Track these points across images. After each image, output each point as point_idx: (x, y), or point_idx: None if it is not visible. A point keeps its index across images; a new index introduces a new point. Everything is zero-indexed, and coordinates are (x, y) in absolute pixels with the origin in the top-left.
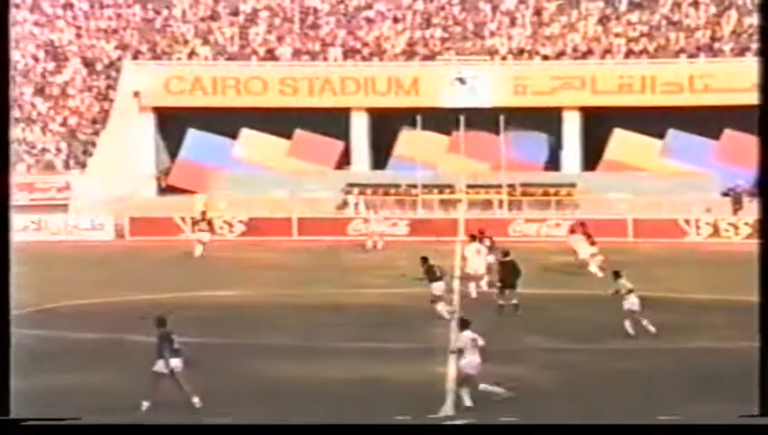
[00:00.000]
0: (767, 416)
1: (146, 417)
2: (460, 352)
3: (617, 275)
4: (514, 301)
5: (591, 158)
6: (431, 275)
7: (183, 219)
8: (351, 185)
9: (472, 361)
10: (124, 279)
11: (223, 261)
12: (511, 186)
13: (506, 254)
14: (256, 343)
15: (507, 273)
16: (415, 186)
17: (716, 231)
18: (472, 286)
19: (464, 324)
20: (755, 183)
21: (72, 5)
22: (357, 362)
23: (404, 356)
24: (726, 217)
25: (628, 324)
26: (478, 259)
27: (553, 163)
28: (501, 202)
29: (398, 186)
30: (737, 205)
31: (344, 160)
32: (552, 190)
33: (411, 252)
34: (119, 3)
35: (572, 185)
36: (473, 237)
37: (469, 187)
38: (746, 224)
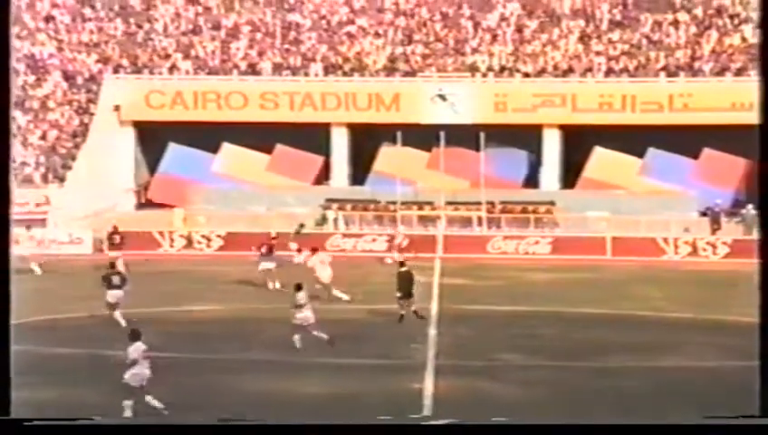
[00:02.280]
0: (767, 416)
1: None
2: (133, 363)
3: (298, 287)
4: (413, 308)
5: (571, 175)
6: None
7: (161, 234)
8: (330, 200)
9: (139, 373)
10: (101, 293)
11: (201, 275)
12: (490, 203)
13: (402, 264)
14: (234, 358)
15: (404, 282)
16: (394, 202)
17: (695, 250)
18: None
19: (134, 336)
20: (741, 202)
21: (53, 19)
22: (332, 378)
23: (381, 372)
24: (705, 237)
25: (296, 338)
26: (323, 269)
27: (533, 181)
28: (480, 219)
29: (377, 202)
30: (715, 224)
31: (324, 176)
32: (531, 208)
33: (389, 268)
34: (100, 17)
35: (551, 202)
36: (314, 250)
37: (448, 203)
38: (724, 243)
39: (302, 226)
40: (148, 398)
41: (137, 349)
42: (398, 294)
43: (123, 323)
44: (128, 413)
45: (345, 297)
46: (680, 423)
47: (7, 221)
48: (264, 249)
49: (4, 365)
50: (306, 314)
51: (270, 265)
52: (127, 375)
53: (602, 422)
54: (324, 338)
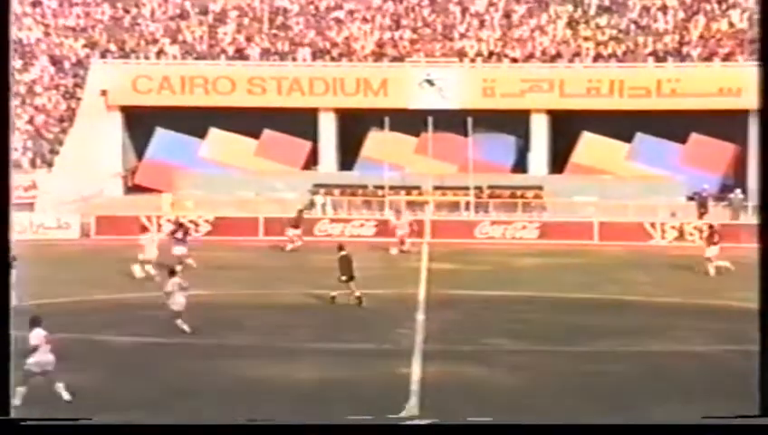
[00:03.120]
0: (767, 416)
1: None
2: (34, 350)
3: (172, 273)
4: (357, 293)
5: (559, 160)
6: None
7: (149, 219)
8: (318, 185)
9: (41, 360)
10: (89, 278)
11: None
12: (478, 188)
13: (341, 248)
14: (221, 343)
15: (345, 266)
16: (382, 187)
17: (681, 235)
18: (148, 268)
19: (35, 322)
20: (728, 187)
21: (40, 3)
22: (319, 363)
23: (368, 357)
24: (692, 221)
25: (180, 322)
26: (152, 247)
27: (521, 165)
28: (468, 204)
29: (365, 187)
30: (702, 209)
31: (312, 161)
32: (518, 193)
33: (378, 253)
34: (87, 1)
35: (539, 187)
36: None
37: (436, 188)
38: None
39: (300, 211)
40: (58, 385)
41: (37, 335)
42: (344, 278)
43: (187, 329)
44: (17, 401)
45: None
46: (680, 423)
47: (7, 209)
48: (179, 234)
49: (4, 365)
50: (178, 300)
51: (182, 249)
52: (29, 361)
53: (602, 422)
54: (186, 330)
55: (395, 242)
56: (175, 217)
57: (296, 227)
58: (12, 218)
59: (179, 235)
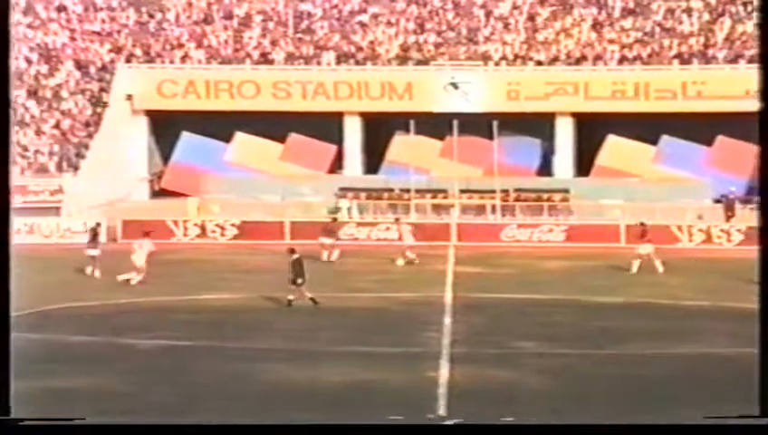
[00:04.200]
0: (767, 416)
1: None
2: None
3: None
4: (309, 295)
5: (584, 163)
6: None
7: (175, 223)
8: (344, 189)
9: None
10: (115, 282)
11: (215, 264)
12: (504, 191)
13: (293, 251)
14: (248, 347)
15: (298, 269)
16: (408, 190)
17: (709, 238)
18: (132, 274)
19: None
20: (755, 189)
21: (65, 8)
22: (347, 366)
23: (396, 360)
24: (719, 224)
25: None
26: (140, 253)
27: (546, 169)
28: (494, 207)
29: (390, 190)
30: (730, 211)
31: (337, 165)
32: (544, 196)
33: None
34: (112, 6)
35: (565, 190)
36: (146, 234)
37: (462, 191)
38: (739, 231)
39: (335, 218)
40: None
41: None
42: (299, 281)
43: None
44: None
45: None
46: (680, 423)
47: (7, 212)
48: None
49: (4, 365)
50: None
51: (94, 251)
52: None
53: (603, 422)
54: None
55: (403, 250)
56: (95, 223)
57: (330, 235)
58: (12, 221)
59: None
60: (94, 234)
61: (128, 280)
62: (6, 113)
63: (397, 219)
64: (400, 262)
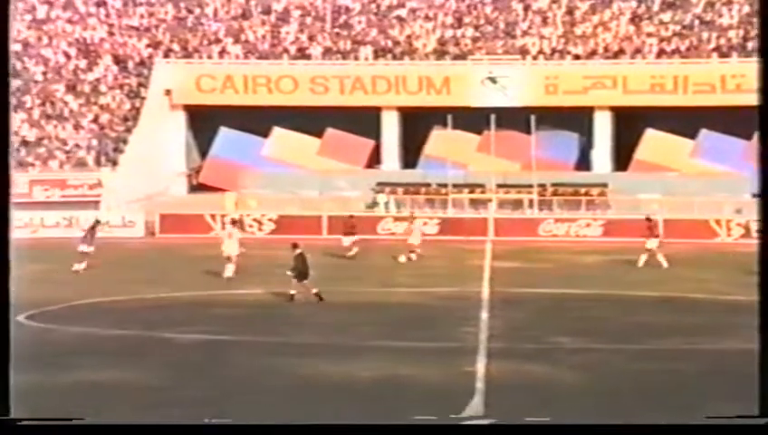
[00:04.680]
0: (767, 416)
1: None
2: None
3: None
4: (315, 290)
5: (622, 157)
6: None
7: (213, 217)
8: (381, 184)
9: None
10: (154, 276)
11: (252, 259)
12: (541, 185)
13: (296, 246)
14: (285, 341)
15: (299, 264)
16: (445, 185)
17: (747, 232)
18: (227, 266)
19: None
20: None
21: (104, 3)
22: (385, 361)
23: (433, 355)
24: (758, 218)
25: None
26: (230, 242)
27: (584, 163)
28: (531, 202)
29: (428, 185)
30: None
31: (374, 159)
32: (582, 190)
33: (441, 251)
34: (151, 1)
35: (603, 185)
36: (234, 223)
37: (499, 186)
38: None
39: (351, 217)
40: None
41: None
42: (292, 274)
43: None
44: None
45: None
46: (680, 423)
47: (7, 208)
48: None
49: (4, 364)
50: None
51: (88, 248)
52: None
53: (603, 422)
54: None
55: (408, 249)
56: (94, 220)
57: (351, 233)
58: (12, 218)
59: (89, 236)
60: (92, 230)
61: (228, 277)
62: (6, 108)
63: (411, 214)
64: (402, 259)
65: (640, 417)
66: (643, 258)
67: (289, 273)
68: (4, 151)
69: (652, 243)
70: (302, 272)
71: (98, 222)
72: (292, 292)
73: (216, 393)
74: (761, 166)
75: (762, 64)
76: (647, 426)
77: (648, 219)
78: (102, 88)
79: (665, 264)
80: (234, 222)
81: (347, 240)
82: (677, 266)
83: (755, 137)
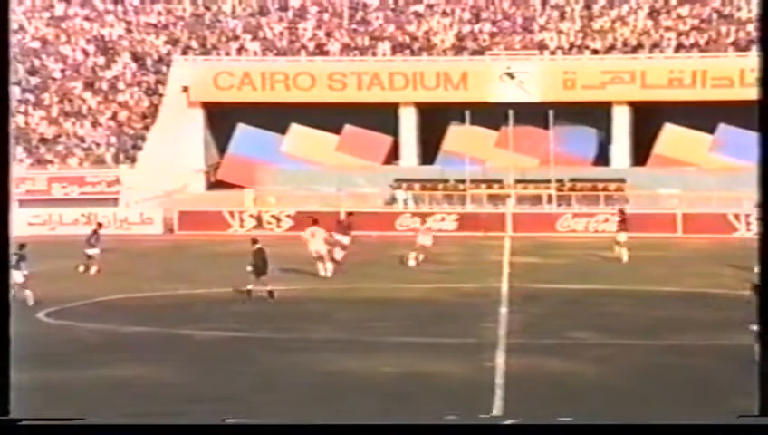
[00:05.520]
0: (767, 416)
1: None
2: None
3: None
4: (269, 288)
5: (641, 152)
6: None
7: (231, 214)
8: (399, 180)
9: None
10: (173, 273)
11: (272, 256)
12: (559, 181)
13: (255, 242)
14: (306, 337)
15: (258, 260)
16: (463, 181)
17: None
18: (319, 266)
19: None
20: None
21: (122, 1)
22: (405, 357)
23: (453, 351)
24: None
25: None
26: (315, 242)
27: (603, 158)
28: (549, 197)
29: (446, 181)
30: None
31: (393, 155)
32: (600, 185)
33: (460, 247)
34: None
35: (622, 180)
36: (314, 221)
37: (518, 181)
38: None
39: (350, 214)
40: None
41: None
42: (249, 270)
43: None
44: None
45: None
46: (680, 423)
47: (7, 208)
48: (93, 232)
49: (4, 364)
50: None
51: (93, 250)
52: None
53: (603, 422)
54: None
55: (416, 250)
56: (97, 223)
57: (346, 232)
58: (12, 217)
59: (93, 238)
60: (95, 233)
61: (323, 275)
62: (6, 104)
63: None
64: (412, 262)
65: (659, 413)
66: (624, 252)
67: (248, 269)
68: (3, 148)
69: (622, 236)
70: (260, 268)
71: (100, 225)
72: (249, 287)
73: (235, 390)
74: (761, 160)
75: (762, 57)
76: (647, 426)
77: (621, 212)
78: (121, 85)
79: (624, 258)
80: (314, 221)
81: (338, 236)
82: (697, 262)
83: None
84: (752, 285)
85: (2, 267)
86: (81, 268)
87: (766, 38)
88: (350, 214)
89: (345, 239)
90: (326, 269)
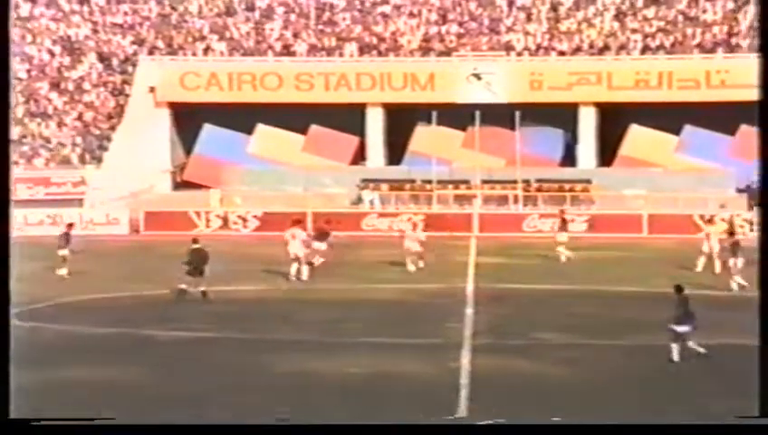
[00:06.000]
0: (767, 416)
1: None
2: None
3: None
4: (202, 288)
5: (607, 153)
6: None
7: (198, 214)
8: (366, 180)
9: None
10: (139, 273)
11: (237, 256)
12: (526, 181)
13: (195, 241)
14: (270, 338)
15: (196, 259)
16: (430, 181)
17: (732, 227)
18: (293, 267)
19: None
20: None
21: (88, 1)
22: (371, 358)
23: (418, 351)
24: (741, 213)
25: None
26: (295, 243)
27: (569, 159)
28: (516, 198)
29: (412, 181)
30: (753, 200)
31: (359, 156)
32: (567, 186)
33: (426, 247)
34: None
35: (588, 181)
36: (296, 222)
37: (484, 182)
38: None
39: (328, 221)
40: None
41: None
42: (187, 269)
43: None
44: None
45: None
46: (680, 423)
47: (7, 206)
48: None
49: (4, 365)
50: None
51: (65, 251)
52: None
53: (603, 422)
54: None
55: (412, 254)
56: (66, 224)
57: (322, 239)
58: (12, 217)
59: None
60: (66, 235)
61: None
62: (6, 105)
63: (410, 220)
64: (411, 267)
65: (623, 412)
66: (565, 253)
67: (184, 266)
68: (3, 149)
69: (562, 236)
70: (196, 267)
71: (71, 225)
72: (183, 286)
73: (200, 391)
74: (761, 159)
75: (762, 60)
76: (646, 426)
77: (562, 211)
78: (86, 85)
79: (563, 258)
80: (296, 222)
81: (317, 244)
82: (663, 262)
83: (739, 132)
84: (674, 287)
85: (2, 267)
86: (65, 271)
87: (766, 40)
88: (327, 221)
89: (322, 246)
90: (300, 272)
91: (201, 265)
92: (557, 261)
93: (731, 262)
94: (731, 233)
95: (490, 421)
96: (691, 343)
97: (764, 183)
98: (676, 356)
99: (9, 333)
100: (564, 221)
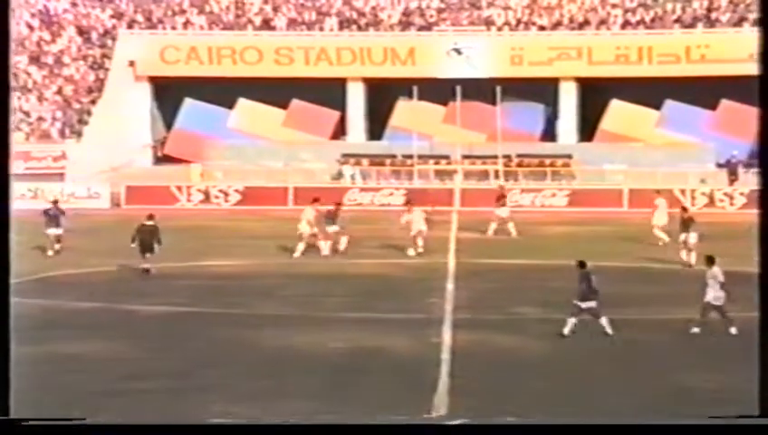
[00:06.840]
0: (767, 416)
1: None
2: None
3: None
4: (147, 266)
5: (588, 128)
6: None
7: (179, 188)
8: (347, 155)
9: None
10: (120, 248)
11: (219, 230)
12: (507, 156)
13: (151, 217)
14: (252, 313)
15: (147, 237)
16: (411, 156)
17: (711, 201)
18: (299, 246)
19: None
20: (755, 154)
21: None
22: (352, 332)
23: (399, 326)
24: (722, 188)
25: None
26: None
27: (550, 134)
28: (497, 172)
29: (393, 156)
30: (733, 175)
31: (340, 131)
32: (547, 161)
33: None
34: None
35: (568, 156)
36: (315, 200)
37: (465, 157)
38: (741, 194)
39: (339, 204)
40: None
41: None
42: (138, 247)
43: None
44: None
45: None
46: (680, 423)
47: (7, 180)
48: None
49: (4, 365)
50: None
51: (57, 230)
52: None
53: (603, 422)
54: None
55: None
56: (54, 198)
57: (333, 220)
58: (12, 187)
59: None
60: (47, 213)
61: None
62: (6, 80)
63: (409, 201)
64: (411, 252)
65: (603, 387)
66: (493, 226)
67: (133, 245)
68: (3, 122)
69: (503, 211)
70: (146, 244)
71: (56, 202)
72: (145, 266)
73: (183, 365)
74: (761, 134)
75: (762, 34)
76: (646, 426)
77: (501, 187)
78: (66, 59)
79: (513, 233)
80: (315, 200)
81: (331, 228)
82: (643, 237)
83: (720, 107)
84: (577, 262)
85: (2, 267)
86: (57, 246)
87: (766, 19)
88: (338, 204)
89: (335, 228)
90: (320, 248)
91: (151, 241)
92: (509, 236)
93: (682, 236)
94: (684, 208)
95: (490, 422)
96: (603, 321)
97: (764, 151)
98: (566, 331)
99: (9, 334)
100: (502, 196)
